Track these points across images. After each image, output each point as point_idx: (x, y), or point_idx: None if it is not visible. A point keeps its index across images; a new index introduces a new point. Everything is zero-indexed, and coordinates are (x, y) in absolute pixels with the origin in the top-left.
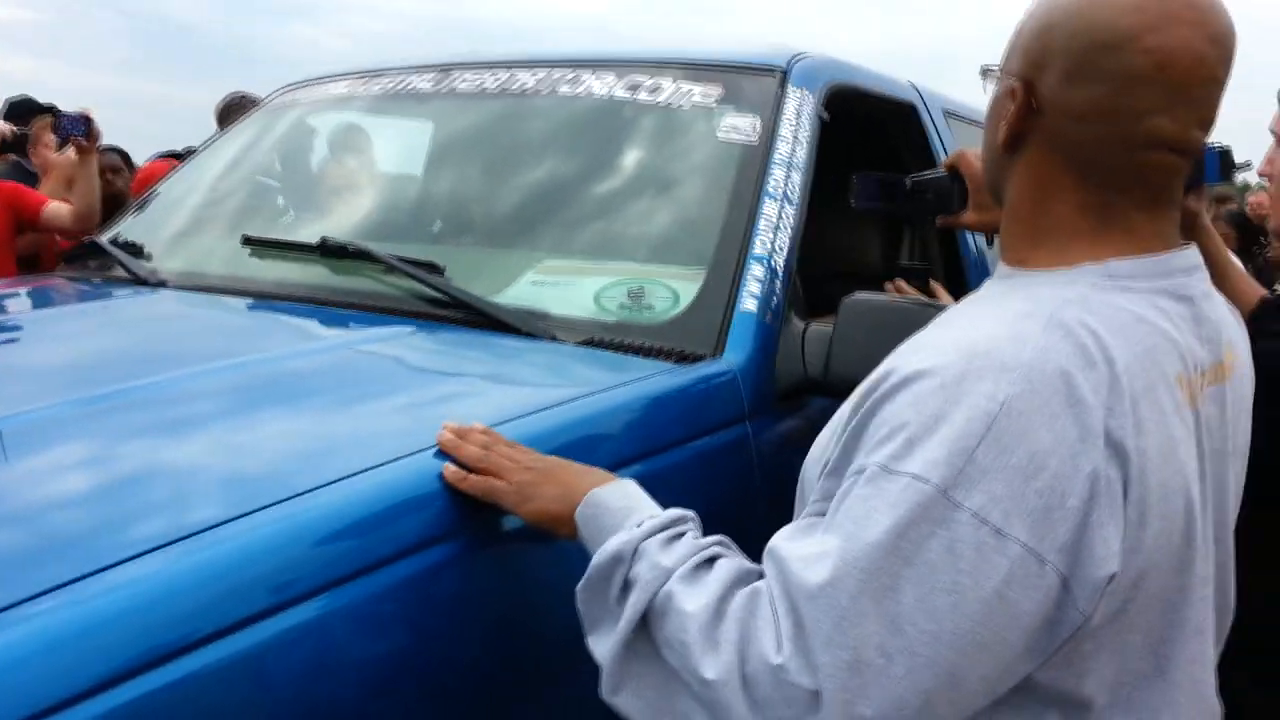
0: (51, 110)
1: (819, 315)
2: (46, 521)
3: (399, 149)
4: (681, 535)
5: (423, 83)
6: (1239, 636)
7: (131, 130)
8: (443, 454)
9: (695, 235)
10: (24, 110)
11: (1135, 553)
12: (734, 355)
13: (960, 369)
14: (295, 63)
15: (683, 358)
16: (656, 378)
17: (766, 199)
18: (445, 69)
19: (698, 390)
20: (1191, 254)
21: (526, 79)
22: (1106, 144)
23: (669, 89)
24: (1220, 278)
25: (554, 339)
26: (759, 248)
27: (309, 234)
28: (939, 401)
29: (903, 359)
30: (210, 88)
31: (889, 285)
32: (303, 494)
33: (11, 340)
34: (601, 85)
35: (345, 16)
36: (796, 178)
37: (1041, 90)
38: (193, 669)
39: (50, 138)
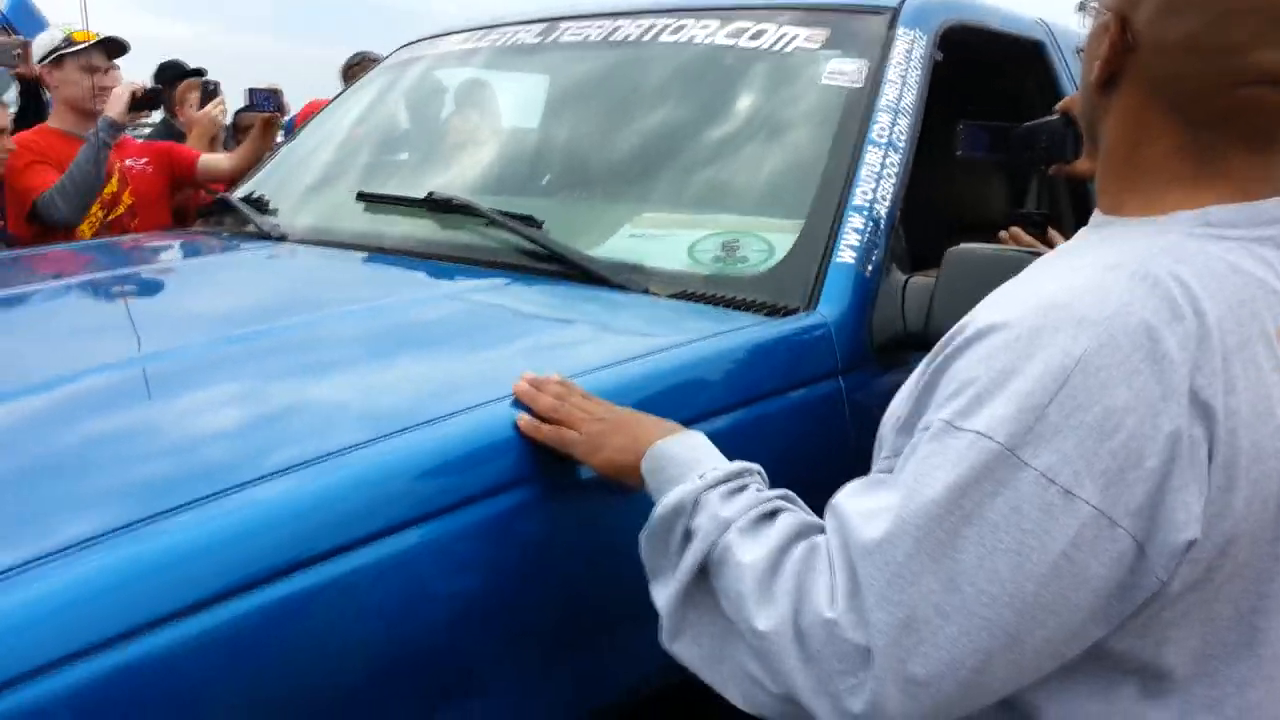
0: (199, 73)
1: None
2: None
3: (510, 103)
4: (744, 488)
5: (530, 36)
6: None
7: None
8: (520, 404)
9: (794, 185)
10: (173, 74)
11: (1221, 518)
12: (828, 308)
13: (1035, 322)
14: (401, 21)
15: (775, 311)
16: (745, 330)
17: (870, 146)
18: (553, 21)
19: (787, 344)
20: None
21: (630, 29)
22: (1205, 81)
23: (773, 34)
24: None
25: (647, 291)
26: (859, 198)
27: (425, 188)
28: (1011, 356)
29: (980, 312)
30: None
31: (1004, 234)
32: (393, 435)
33: (146, 290)
34: (704, 32)
35: None
36: (904, 123)
37: (1136, 25)
38: (290, 592)
39: (194, 97)
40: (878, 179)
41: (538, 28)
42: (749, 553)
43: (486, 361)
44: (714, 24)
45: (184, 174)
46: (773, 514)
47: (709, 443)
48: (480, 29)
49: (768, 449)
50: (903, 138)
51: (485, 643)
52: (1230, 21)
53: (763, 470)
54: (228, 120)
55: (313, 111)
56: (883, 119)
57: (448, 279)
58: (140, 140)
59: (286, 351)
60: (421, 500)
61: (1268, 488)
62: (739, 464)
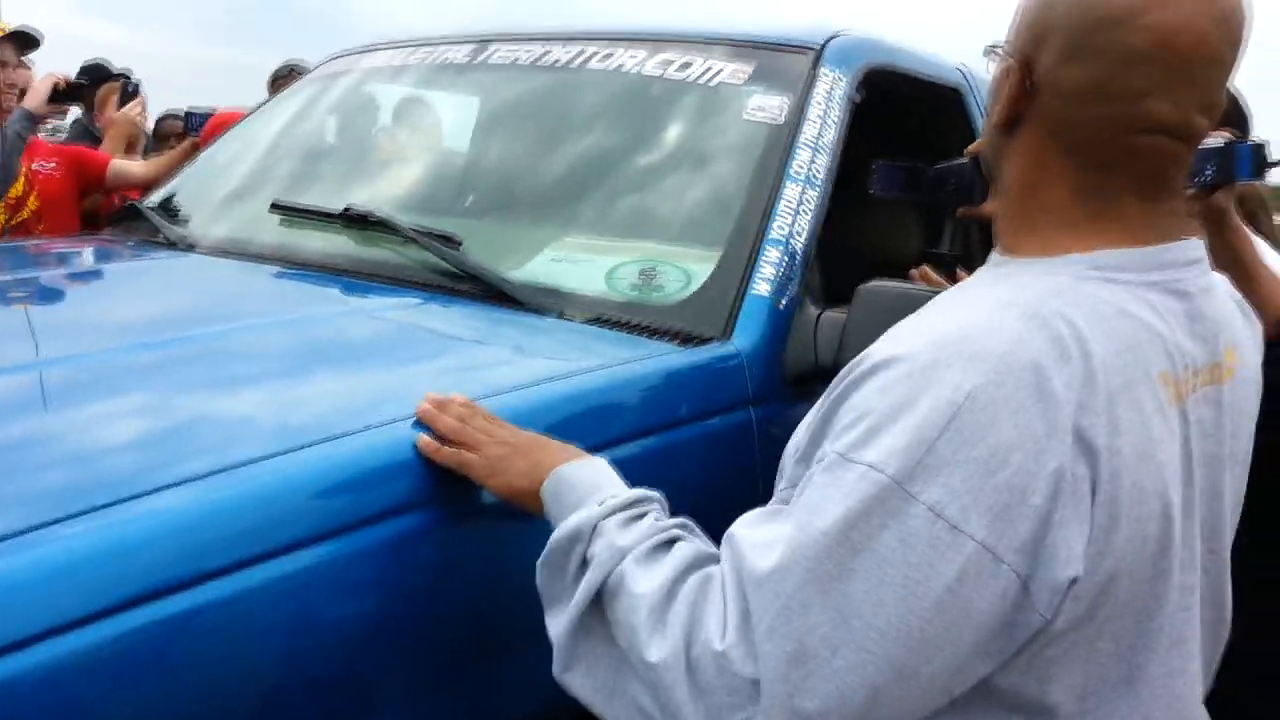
0: (121, 76)
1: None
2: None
3: (436, 121)
4: (643, 516)
5: (460, 55)
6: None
7: (205, 95)
8: (421, 424)
9: (712, 216)
10: (96, 75)
11: (1103, 556)
12: (742, 339)
13: (930, 357)
14: (363, 32)
15: (688, 339)
16: (658, 358)
17: (788, 181)
18: (484, 41)
19: (701, 372)
20: (1189, 247)
21: (560, 54)
22: (1101, 127)
23: (699, 66)
24: (1248, 279)
25: (561, 316)
26: (776, 231)
27: (344, 203)
28: (904, 390)
29: (879, 346)
30: (280, 55)
31: (914, 273)
32: (290, 451)
33: (43, 296)
34: (632, 61)
35: None
36: (822, 160)
37: (1038, 70)
38: (181, 609)
39: (115, 100)
40: (795, 214)
41: (468, 47)
42: (643, 582)
43: (392, 381)
44: (642, 53)
45: (94, 179)
46: (670, 543)
47: (611, 469)
48: (411, 45)
49: (678, 477)
50: (820, 174)
51: (380, 668)
52: (1128, 70)
53: (663, 498)
54: (149, 125)
55: (221, 125)
56: (802, 155)
57: (359, 296)
58: (53, 143)
59: (184, 364)
60: (318, 519)
61: (1148, 528)
62: (639, 491)
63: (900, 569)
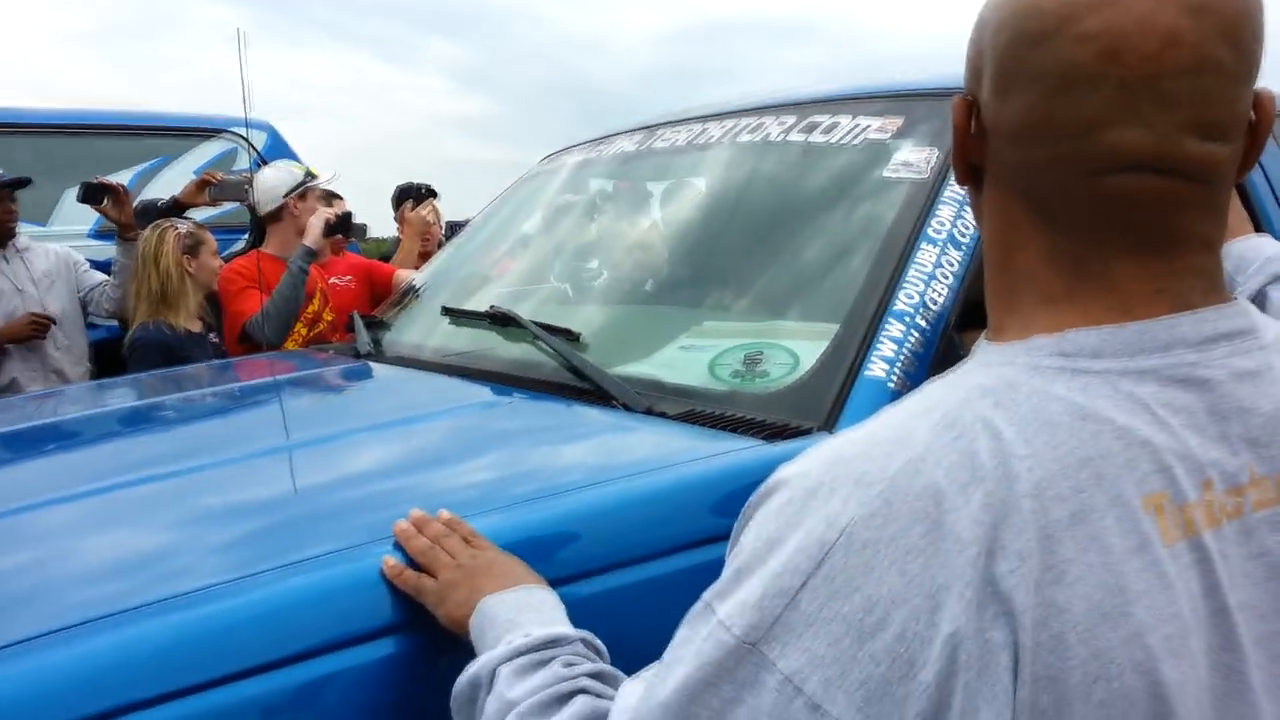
0: (429, 189)
1: None
2: None
3: (614, 210)
4: (548, 662)
5: (630, 145)
6: None
7: None
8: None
9: (838, 291)
10: (405, 194)
11: None
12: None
13: (815, 480)
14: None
15: (781, 433)
16: (716, 458)
17: (924, 243)
18: (651, 128)
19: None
20: (1218, 316)
21: (715, 130)
22: (1057, 171)
23: (846, 126)
24: None
25: (650, 412)
26: (903, 302)
27: (523, 304)
28: (779, 523)
29: (790, 461)
30: None
31: None
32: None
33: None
34: (779, 129)
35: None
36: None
37: (983, 105)
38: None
39: (409, 204)
40: (929, 280)
41: (638, 136)
42: None
43: (388, 491)
44: (790, 119)
45: (383, 287)
46: (568, 696)
47: (549, 600)
48: (594, 141)
49: None
50: (968, 231)
51: None
52: (1071, 92)
53: (589, 639)
54: (442, 230)
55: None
56: (944, 212)
57: (447, 398)
58: (356, 254)
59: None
60: (281, 644)
61: (1123, 713)
62: (555, 631)
63: None
